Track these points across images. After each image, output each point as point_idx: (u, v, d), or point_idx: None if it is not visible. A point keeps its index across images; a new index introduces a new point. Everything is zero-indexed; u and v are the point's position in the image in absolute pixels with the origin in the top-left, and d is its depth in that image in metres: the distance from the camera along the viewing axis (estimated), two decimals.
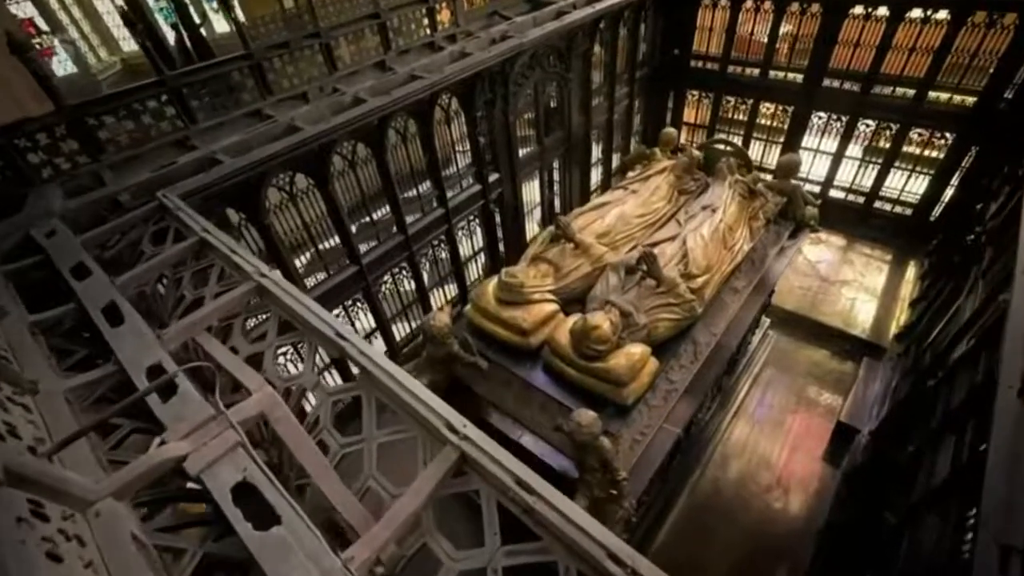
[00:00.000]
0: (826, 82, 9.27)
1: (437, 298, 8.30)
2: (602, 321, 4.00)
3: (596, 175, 10.89)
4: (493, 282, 4.86)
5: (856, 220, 10.01)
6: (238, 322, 3.04)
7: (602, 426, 3.92)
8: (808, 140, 9.98)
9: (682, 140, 11.86)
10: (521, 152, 8.35)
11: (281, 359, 6.39)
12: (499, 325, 4.65)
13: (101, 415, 2.20)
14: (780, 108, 10.08)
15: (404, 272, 7.32)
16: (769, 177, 10.38)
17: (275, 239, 5.42)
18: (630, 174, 6.68)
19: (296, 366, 6.50)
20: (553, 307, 4.72)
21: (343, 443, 2.40)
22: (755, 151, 10.73)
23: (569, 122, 9.05)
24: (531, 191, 9.23)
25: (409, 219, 7.01)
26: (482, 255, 8.85)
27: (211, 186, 4.38)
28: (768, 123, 10.52)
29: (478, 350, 4.74)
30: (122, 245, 3.88)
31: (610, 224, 5.40)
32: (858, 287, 8.97)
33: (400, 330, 7.91)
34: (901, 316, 8.22)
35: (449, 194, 7.41)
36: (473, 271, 8.82)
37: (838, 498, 6.19)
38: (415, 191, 7.01)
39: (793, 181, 6.28)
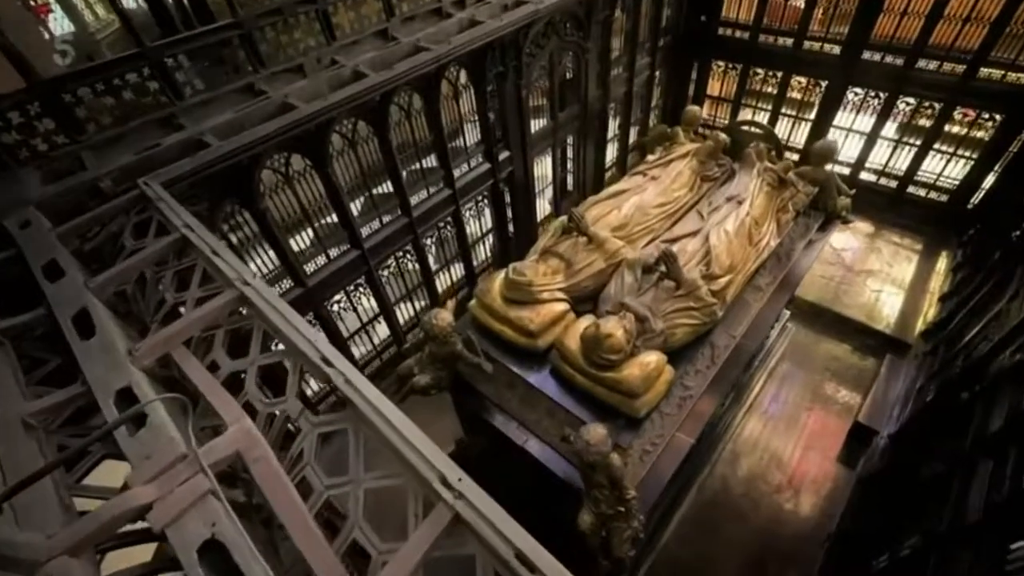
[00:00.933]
0: (866, 54, 8.56)
1: (443, 280, 8.03)
2: (615, 329, 3.71)
3: (612, 151, 10.36)
4: (499, 278, 4.56)
5: (886, 205, 9.46)
6: (220, 334, 2.79)
7: (612, 441, 3.70)
8: (841, 118, 9.34)
9: (704, 113, 11.26)
10: (533, 128, 7.87)
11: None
12: (505, 325, 4.38)
13: (59, 456, 1.99)
14: (813, 82, 9.39)
15: (409, 256, 7.03)
16: (796, 157, 9.89)
17: (271, 224, 5.13)
18: (649, 157, 6.24)
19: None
20: (563, 307, 4.43)
21: (328, 484, 2.18)
22: (782, 129, 10.10)
23: (585, 95, 8.50)
24: (543, 168, 8.78)
25: (414, 200, 6.67)
26: (491, 236, 8.51)
27: (198, 171, 4.07)
28: (799, 97, 9.82)
29: (482, 350, 4.50)
30: (102, 237, 3.62)
31: (627, 215, 5.03)
32: (884, 278, 8.54)
33: (405, 312, 7.69)
34: (929, 311, 7.82)
35: (456, 173, 7.02)
36: (481, 252, 8.50)
37: (852, 503, 6.00)
38: (419, 168, 6.62)
39: (827, 168, 5.80)
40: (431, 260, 7.46)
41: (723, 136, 5.88)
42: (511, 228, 8.66)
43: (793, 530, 6.02)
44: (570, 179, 9.94)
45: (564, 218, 4.99)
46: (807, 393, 7.36)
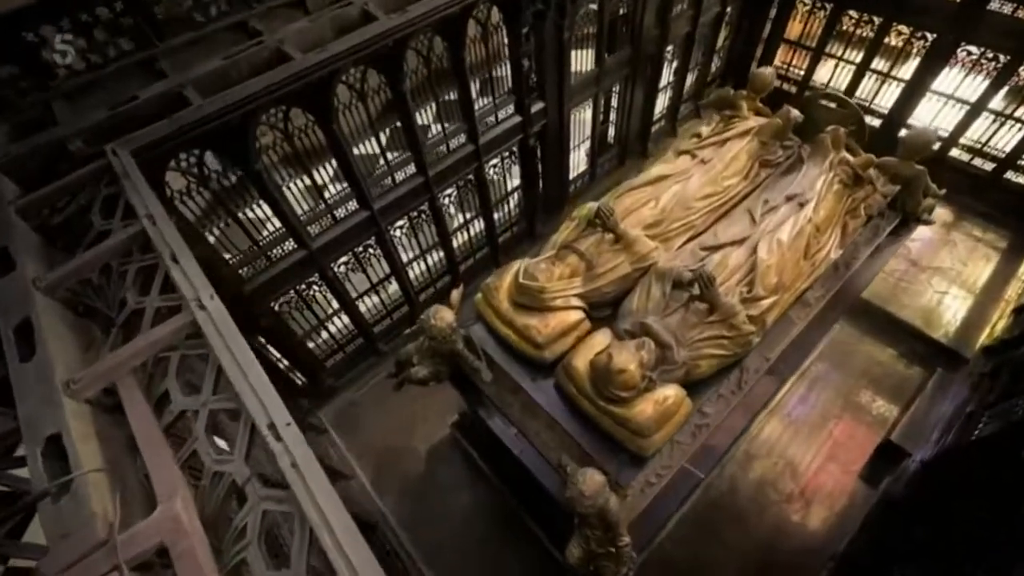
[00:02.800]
0: (994, 3, 6.99)
1: (461, 239, 7.55)
2: (629, 363, 3.24)
3: (662, 101, 9.20)
4: (511, 275, 4.07)
5: (974, 190, 8.19)
6: (175, 359, 2.48)
7: (613, 479, 3.39)
8: (943, 81, 7.86)
9: (778, 61, 9.80)
10: (574, 75, 6.90)
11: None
12: (511, 330, 3.96)
13: None
14: (917, 33, 7.83)
15: (424, 216, 6.52)
16: (877, 122, 8.55)
17: (270, 186, 4.68)
18: (703, 129, 5.35)
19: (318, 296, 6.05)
20: (577, 316, 3.95)
21: None
22: (866, 88, 8.70)
23: (639, 37, 7.34)
24: (581, 119, 7.84)
25: (431, 157, 6.04)
26: (517, 194, 7.85)
27: (178, 135, 3.61)
28: (896, 43, 8.21)
29: (483, 350, 4.14)
30: (72, 209, 3.28)
31: (665, 209, 4.35)
32: (954, 278, 7.58)
33: (419, 268, 7.33)
34: (999, 323, 6.95)
35: (481, 127, 6.28)
36: (505, 212, 7.89)
37: (868, 524, 5.68)
38: (440, 125, 5.94)
39: (918, 165, 4.85)
40: (449, 220, 6.94)
41: (795, 112, 4.92)
42: (541, 184, 7.96)
43: (798, 543, 5.80)
44: (611, 131, 8.97)
45: (591, 206, 4.36)
46: (839, 399, 6.83)
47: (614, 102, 8.49)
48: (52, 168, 3.43)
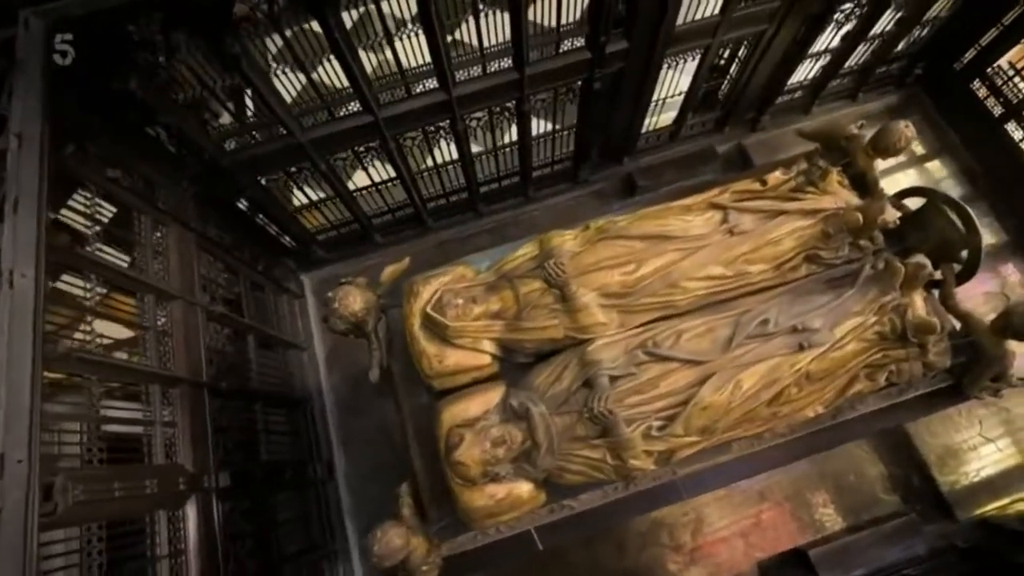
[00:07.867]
0: None
1: (486, 166, 6.79)
2: (471, 459, 2.99)
3: (807, 68, 7.05)
4: (430, 289, 3.65)
5: None
6: None
7: (429, 536, 3.43)
8: None
9: (1004, 60, 7.14)
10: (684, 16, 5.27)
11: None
12: (412, 345, 3.70)
13: None
14: None
15: (443, 134, 5.80)
16: None
17: (250, 72, 4.17)
18: (775, 174, 4.10)
19: None
20: (481, 360, 3.59)
21: None
22: None
23: None
24: (677, 72, 6.22)
25: (460, 75, 5.11)
26: (567, 134, 6.74)
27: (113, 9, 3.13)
28: None
29: (391, 340, 3.99)
30: None
31: (641, 281, 3.54)
32: (1014, 432, 6.23)
33: (430, 185, 6.83)
34: (1021, 504, 5.85)
35: (534, 56, 5.13)
36: (546, 152, 6.86)
37: None
38: (476, 38, 4.87)
39: (1011, 344, 3.61)
40: (475, 141, 6.16)
41: (890, 214, 3.63)
42: (601, 134, 6.75)
43: None
44: (724, 87, 7.15)
45: (560, 240, 3.66)
46: (789, 487, 6.33)
47: (741, 53, 6.59)
48: None
